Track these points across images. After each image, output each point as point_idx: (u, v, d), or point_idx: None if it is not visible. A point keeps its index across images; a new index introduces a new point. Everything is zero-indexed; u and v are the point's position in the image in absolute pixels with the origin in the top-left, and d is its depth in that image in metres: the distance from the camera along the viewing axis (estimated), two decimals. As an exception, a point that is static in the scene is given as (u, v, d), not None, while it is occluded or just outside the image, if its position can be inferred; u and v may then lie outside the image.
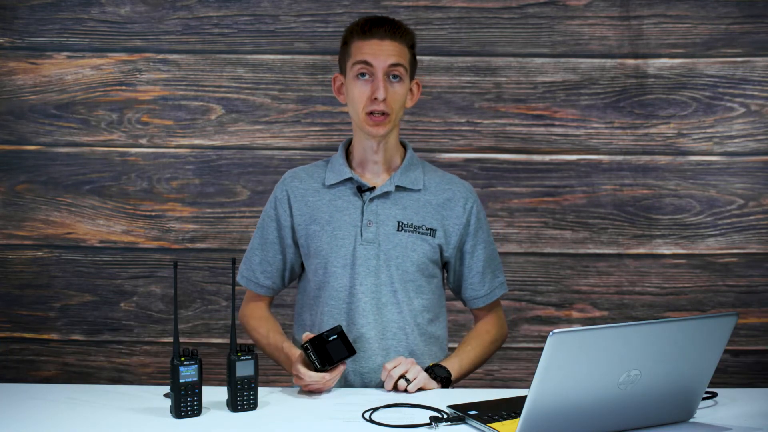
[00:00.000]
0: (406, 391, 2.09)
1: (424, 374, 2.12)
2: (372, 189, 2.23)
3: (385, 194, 2.23)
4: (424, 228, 2.22)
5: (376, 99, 2.14)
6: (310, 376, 2.06)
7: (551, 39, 2.99)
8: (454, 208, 2.25)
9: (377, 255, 2.21)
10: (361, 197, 2.23)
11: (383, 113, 2.16)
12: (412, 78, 2.23)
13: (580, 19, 2.99)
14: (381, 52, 2.15)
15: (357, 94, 2.17)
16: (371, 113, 2.16)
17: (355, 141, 2.26)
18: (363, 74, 2.17)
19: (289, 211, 2.27)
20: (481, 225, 2.27)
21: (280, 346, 2.21)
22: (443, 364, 2.19)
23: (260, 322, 2.32)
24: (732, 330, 1.81)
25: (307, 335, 2.09)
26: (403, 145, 2.31)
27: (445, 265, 2.30)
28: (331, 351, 2.06)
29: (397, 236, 2.21)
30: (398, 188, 2.24)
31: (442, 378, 2.15)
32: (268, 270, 2.30)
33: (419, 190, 2.24)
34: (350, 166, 2.26)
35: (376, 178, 2.25)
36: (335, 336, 2.07)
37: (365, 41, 2.17)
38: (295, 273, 2.33)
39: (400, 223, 2.22)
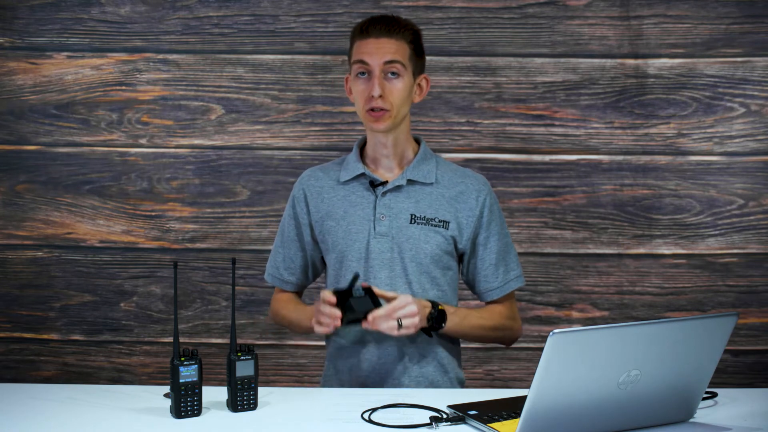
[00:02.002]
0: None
1: (415, 327, 2.11)
2: (384, 183, 2.26)
3: (398, 188, 2.26)
4: (437, 220, 2.24)
5: (372, 96, 2.18)
6: (324, 306, 2.08)
7: (551, 39, 2.99)
8: (467, 200, 2.26)
9: (391, 248, 2.23)
10: (374, 192, 2.26)
11: (382, 109, 2.19)
12: (418, 73, 2.26)
13: (580, 19, 2.99)
14: (377, 51, 2.19)
15: (358, 93, 2.22)
16: (371, 110, 2.20)
17: (367, 138, 2.31)
18: (362, 73, 2.21)
19: (306, 209, 2.32)
20: (494, 217, 2.28)
21: (307, 307, 2.27)
22: (447, 309, 2.18)
23: (287, 303, 2.36)
24: (732, 330, 1.81)
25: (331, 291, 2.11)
26: (417, 141, 2.34)
27: (460, 258, 2.31)
28: (354, 304, 2.07)
29: (410, 229, 2.23)
30: (410, 182, 2.26)
31: (433, 328, 2.17)
32: (291, 267, 2.36)
33: (432, 184, 2.27)
34: (364, 162, 2.29)
35: (388, 173, 2.29)
36: (363, 293, 2.08)
37: (363, 40, 2.22)
38: (317, 269, 2.38)
39: (413, 216, 2.24)
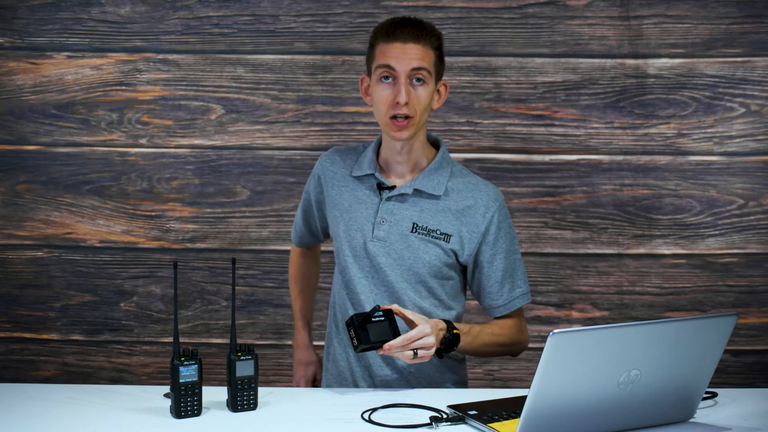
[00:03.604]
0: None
1: (429, 356, 2.07)
2: (391, 188, 2.23)
3: (402, 196, 2.22)
4: (438, 232, 2.21)
5: (398, 103, 2.13)
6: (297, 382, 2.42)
7: (551, 39, 2.99)
8: (474, 216, 2.22)
9: (388, 253, 2.21)
10: (380, 195, 2.24)
11: (406, 117, 2.15)
12: (438, 79, 2.21)
13: (580, 19, 2.99)
14: (404, 56, 2.13)
15: (380, 98, 2.16)
16: (394, 117, 2.15)
17: (382, 141, 2.27)
18: (386, 77, 2.15)
19: (320, 189, 2.33)
20: (501, 234, 2.23)
21: (296, 323, 2.52)
22: (460, 330, 2.14)
23: (296, 281, 2.55)
24: (732, 330, 1.81)
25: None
26: (437, 145, 2.30)
27: (465, 269, 2.28)
28: (371, 330, 2.04)
29: (410, 238, 2.20)
30: (417, 192, 2.22)
31: (446, 351, 2.13)
32: (298, 231, 2.47)
33: (439, 196, 2.22)
34: (378, 162, 2.27)
35: (399, 179, 2.25)
36: (382, 317, 2.05)
37: (389, 44, 2.15)
38: (327, 234, 2.41)
39: (415, 225, 2.21)
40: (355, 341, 2.04)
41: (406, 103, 2.13)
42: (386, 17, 2.35)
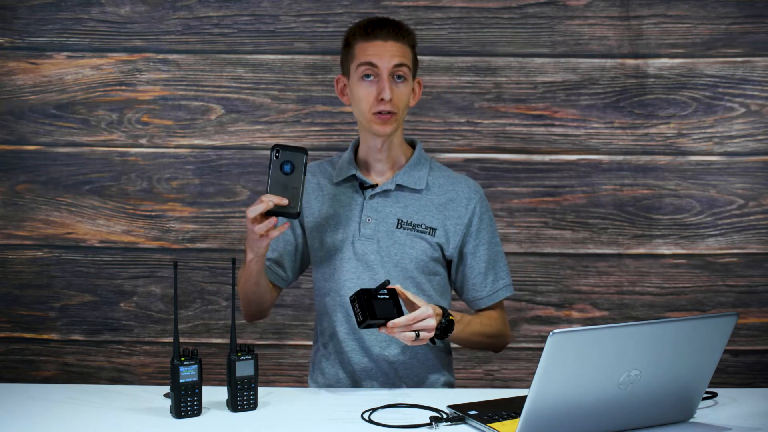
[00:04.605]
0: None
1: (430, 335, 2.07)
2: (374, 186, 2.25)
3: (386, 192, 2.25)
4: (423, 226, 2.23)
5: (382, 99, 2.16)
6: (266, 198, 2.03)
7: (551, 39, 2.99)
8: (457, 208, 2.25)
9: (377, 250, 2.22)
10: (363, 194, 2.25)
11: (390, 112, 2.17)
12: (414, 77, 2.25)
13: (580, 19, 2.99)
14: (385, 53, 2.17)
15: (363, 95, 2.19)
16: (378, 113, 2.18)
17: (361, 141, 2.29)
18: (368, 75, 2.18)
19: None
20: (483, 226, 2.26)
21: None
22: (453, 317, 2.13)
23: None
24: (732, 330, 1.81)
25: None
26: (413, 144, 2.32)
27: (449, 265, 2.30)
28: (377, 307, 2.02)
29: (396, 234, 2.23)
30: (399, 187, 2.25)
31: (439, 337, 2.11)
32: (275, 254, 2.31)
33: (421, 190, 2.25)
34: (357, 164, 2.28)
35: (379, 177, 2.28)
36: (386, 295, 2.04)
37: (369, 42, 2.18)
38: (305, 262, 2.34)
39: (400, 221, 2.23)
40: (359, 317, 2.02)
41: (390, 100, 2.16)
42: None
